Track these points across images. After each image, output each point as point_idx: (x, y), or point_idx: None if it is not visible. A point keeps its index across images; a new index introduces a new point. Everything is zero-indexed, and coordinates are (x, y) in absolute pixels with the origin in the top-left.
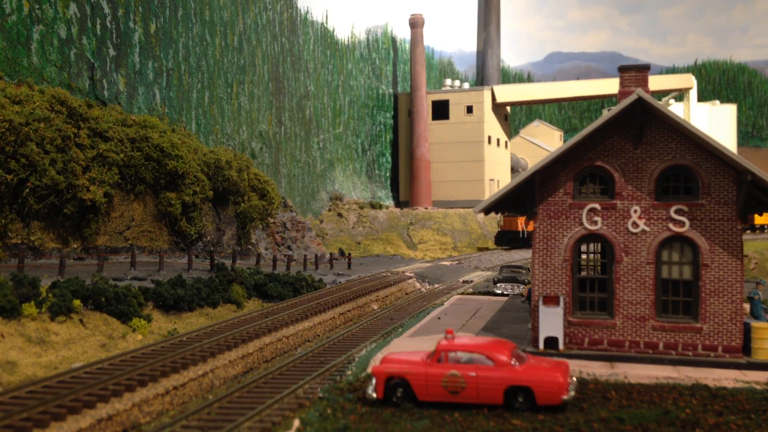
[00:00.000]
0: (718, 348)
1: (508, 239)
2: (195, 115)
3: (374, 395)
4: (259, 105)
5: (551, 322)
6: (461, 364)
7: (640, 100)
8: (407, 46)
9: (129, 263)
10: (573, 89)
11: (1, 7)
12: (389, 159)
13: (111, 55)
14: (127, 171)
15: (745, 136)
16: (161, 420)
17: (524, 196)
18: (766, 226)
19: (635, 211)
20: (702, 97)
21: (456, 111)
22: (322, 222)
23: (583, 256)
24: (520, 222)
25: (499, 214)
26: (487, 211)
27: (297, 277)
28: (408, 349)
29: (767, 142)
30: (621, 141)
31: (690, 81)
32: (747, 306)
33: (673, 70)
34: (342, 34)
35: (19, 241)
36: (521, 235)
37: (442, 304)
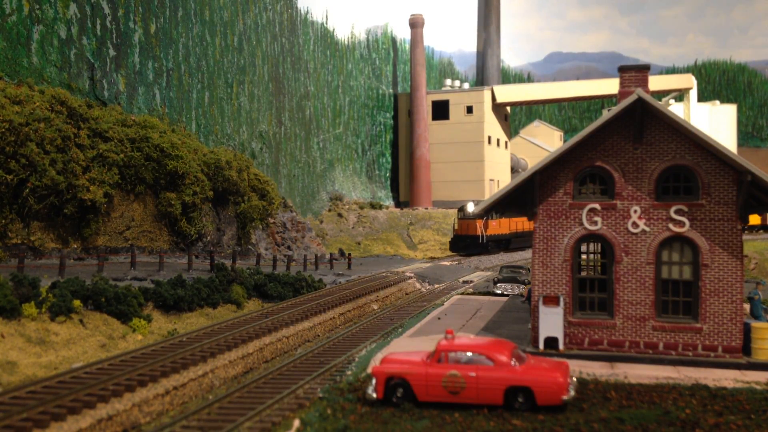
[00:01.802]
0: (718, 348)
1: (464, 245)
2: (195, 115)
3: (374, 395)
4: (259, 105)
5: (551, 322)
6: (461, 365)
7: (640, 100)
8: (407, 46)
9: (129, 263)
10: (573, 89)
11: (1, 7)
12: (389, 159)
13: (111, 55)
14: (127, 171)
15: (745, 136)
16: (161, 420)
17: (524, 196)
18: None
19: (635, 212)
20: (702, 98)
21: (456, 111)
22: (322, 222)
23: (583, 256)
24: (479, 225)
25: (454, 217)
26: (487, 211)
27: (297, 277)
28: (408, 349)
29: (767, 143)
30: (621, 141)
31: (690, 81)
32: (747, 306)
33: (673, 71)
34: (342, 34)
35: (19, 241)
36: (480, 240)
37: (442, 305)
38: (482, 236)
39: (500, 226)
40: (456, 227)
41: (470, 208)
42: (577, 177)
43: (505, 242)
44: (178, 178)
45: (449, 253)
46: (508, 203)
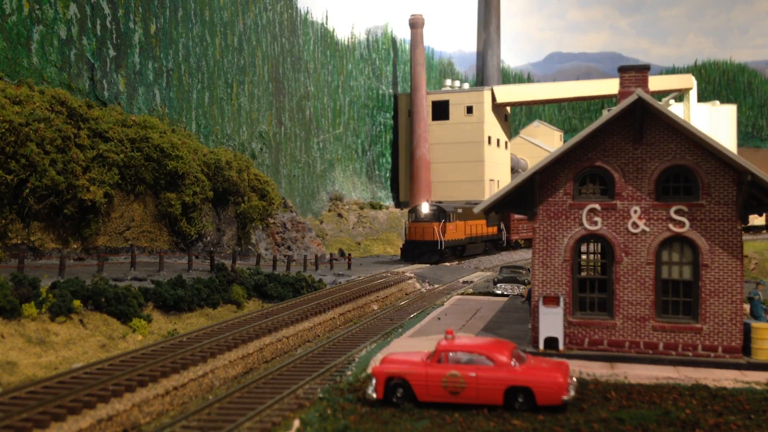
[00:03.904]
0: (718, 348)
1: (419, 252)
2: (195, 115)
3: (374, 395)
4: (259, 105)
5: (551, 322)
6: (461, 365)
7: (640, 101)
8: (407, 46)
9: (129, 264)
10: (573, 90)
11: (1, 7)
12: (389, 159)
13: (111, 55)
14: (127, 171)
15: (745, 136)
16: (161, 420)
17: (524, 196)
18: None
19: (635, 212)
20: (702, 98)
21: (456, 111)
22: (322, 222)
23: (583, 257)
24: (436, 229)
25: (405, 219)
26: (487, 211)
27: (297, 277)
28: (408, 349)
29: (767, 143)
30: (621, 141)
31: (690, 81)
32: (747, 306)
33: (673, 71)
34: (342, 34)
35: (19, 242)
36: (438, 246)
37: (442, 305)
38: (440, 242)
39: (457, 230)
40: (407, 232)
41: (425, 209)
42: (577, 177)
43: (460, 249)
44: (178, 178)
45: None
46: (508, 203)
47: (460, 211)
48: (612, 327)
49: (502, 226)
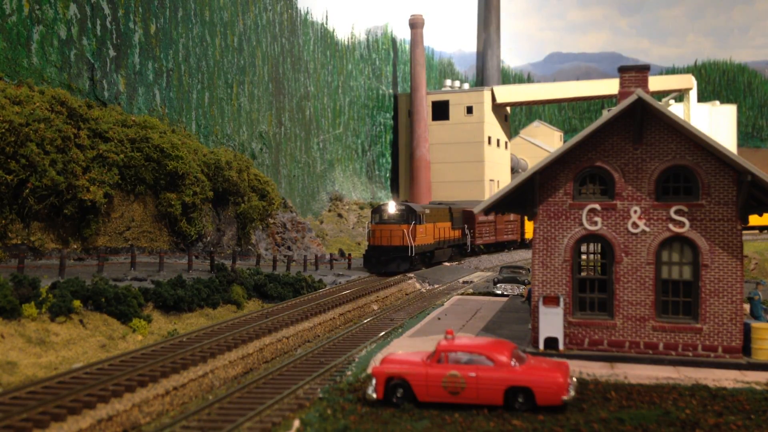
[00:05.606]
0: (718, 348)
1: (386, 259)
2: (195, 115)
3: (374, 396)
4: (259, 105)
5: (551, 322)
6: (461, 365)
7: (640, 101)
8: (407, 46)
9: (129, 264)
10: (573, 90)
11: (1, 7)
12: (389, 159)
13: (111, 55)
14: (127, 171)
15: (745, 136)
16: (161, 420)
17: (524, 196)
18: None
19: (635, 212)
20: (702, 98)
21: (456, 111)
22: (322, 222)
23: (583, 257)
24: (405, 232)
25: (368, 222)
26: (487, 211)
27: (297, 277)
28: (408, 349)
29: (767, 143)
30: (621, 141)
31: (690, 81)
32: (747, 306)
33: (673, 71)
34: (342, 34)
35: (19, 242)
36: (408, 252)
37: (443, 305)
38: (411, 247)
39: (426, 233)
40: (371, 236)
41: (392, 209)
42: (577, 177)
43: (429, 255)
44: (178, 178)
45: None
46: (508, 203)
47: (428, 211)
48: (612, 327)
49: (467, 229)
